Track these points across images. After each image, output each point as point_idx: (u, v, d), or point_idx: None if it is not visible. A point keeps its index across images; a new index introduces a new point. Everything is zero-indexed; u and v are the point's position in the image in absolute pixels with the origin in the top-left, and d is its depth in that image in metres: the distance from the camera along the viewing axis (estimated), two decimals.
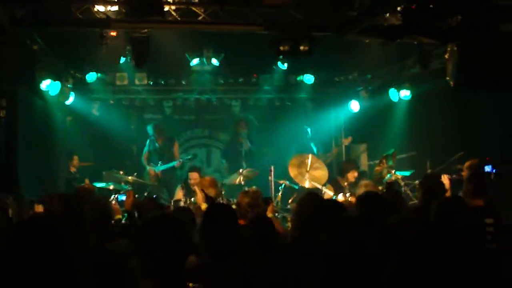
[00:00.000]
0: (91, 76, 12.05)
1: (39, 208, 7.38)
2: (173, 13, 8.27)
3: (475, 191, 6.10)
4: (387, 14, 8.13)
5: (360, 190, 8.35)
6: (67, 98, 11.74)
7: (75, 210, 4.01)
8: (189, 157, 12.54)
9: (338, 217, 4.05)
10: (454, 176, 7.96)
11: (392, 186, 9.21)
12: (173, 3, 8.12)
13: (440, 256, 4.06)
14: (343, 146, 14.12)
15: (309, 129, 13.18)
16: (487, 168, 8.02)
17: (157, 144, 12.87)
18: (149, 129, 13.00)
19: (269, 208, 6.96)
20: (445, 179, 7.74)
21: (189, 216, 5.91)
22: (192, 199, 9.14)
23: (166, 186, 12.48)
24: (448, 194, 7.66)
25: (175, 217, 3.95)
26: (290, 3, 8.03)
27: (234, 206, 7.02)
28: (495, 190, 7.47)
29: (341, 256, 3.12)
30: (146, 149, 12.90)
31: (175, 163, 12.35)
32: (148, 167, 12.66)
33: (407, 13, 7.83)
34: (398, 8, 7.95)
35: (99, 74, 12.13)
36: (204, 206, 8.37)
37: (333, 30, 8.58)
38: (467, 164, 8.05)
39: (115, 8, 8.14)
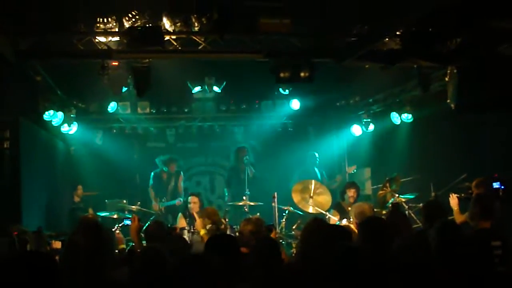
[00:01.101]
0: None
1: (57, 245, 7.41)
2: (173, 42, 8.33)
3: (482, 213, 6.08)
4: (386, 39, 8.19)
5: (352, 211, 8.33)
6: (70, 128, 11.80)
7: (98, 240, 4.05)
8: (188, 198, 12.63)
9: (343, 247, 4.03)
10: (462, 195, 7.96)
11: (398, 207, 9.21)
12: (174, 33, 8.17)
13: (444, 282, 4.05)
14: (347, 174, 14.13)
15: (317, 155, 13.22)
16: (496, 185, 8.03)
17: (163, 179, 12.92)
18: (158, 162, 13.05)
19: (272, 235, 6.95)
20: (453, 198, 7.77)
21: (181, 245, 5.93)
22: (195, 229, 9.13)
23: (171, 213, 12.47)
24: (456, 212, 7.70)
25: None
26: (288, 31, 8.09)
27: (237, 234, 7.03)
28: (504, 206, 7.50)
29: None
30: (151, 182, 12.91)
31: (175, 202, 12.41)
32: (153, 202, 12.69)
33: (406, 37, 7.89)
34: (397, 33, 8.04)
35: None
36: (203, 232, 8.38)
37: (332, 57, 8.63)
38: (475, 182, 8.07)
39: (116, 38, 8.21)
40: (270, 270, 4.56)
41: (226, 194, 13.10)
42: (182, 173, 13.29)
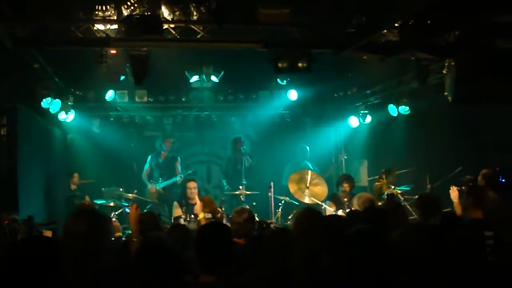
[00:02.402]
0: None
1: (48, 233, 7.42)
2: (172, 31, 8.33)
3: (475, 203, 6.20)
4: (384, 31, 8.20)
5: (354, 202, 8.40)
6: (68, 115, 11.79)
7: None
8: (190, 172, 12.59)
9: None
10: (463, 187, 8.02)
11: (393, 198, 9.27)
12: (172, 22, 8.17)
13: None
14: (343, 161, 14.19)
15: (307, 148, 13.26)
16: None
17: (160, 160, 12.95)
18: (158, 142, 13.10)
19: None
20: (454, 191, 7.83)
21: (184, 234, 5.94)
22: (192, 215, 9.16)
23: (167, 203, 12.51)
24: (456, 205, 7.78)
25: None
26: (287, 21, 8.08)
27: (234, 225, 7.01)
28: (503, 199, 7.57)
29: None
30: (147, 165, 12.98)
31: (177, 179, 12.41)
32: (149, 184, 12.71)
33: (404, 29, 7.90)
34: (396, 24, 8.05)
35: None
36: (202, 215, 8.41)
37: (330, 47, 8.64)
38: (482, 172, 8.16)
39: (114, 26, 8.20)
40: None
41: (225, 183, 13.12)
42: (179, 158, 13.32)
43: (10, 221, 7.09)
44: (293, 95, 12.77)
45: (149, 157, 13.03)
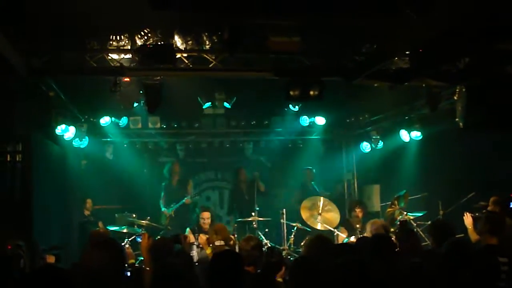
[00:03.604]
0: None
1: (51, 259, 7.44)
2: (185, 60, 8.44)
3: (492, 230, 6.23)
4: (395, 58, 8.26)
5: (368, 228, 8.41)
6: (82, 142, 11.89)
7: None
8: (197, 192, 12.61)
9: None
10: (477, 214, 8.03)
11: (405, 225, 9.25)
12: (185, 51, 8.29)
13: None
14: (354, 184, 14.22)
15: (313, 170, 13.29)
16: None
17: (172, 186, 13.02)
18: (165, 170, 13.17)
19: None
20: (467, 217, 7.84)
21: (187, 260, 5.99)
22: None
23: (180, 228, 12.51)
24: (470, 231, 7.79)
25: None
26: (297, 49, 8.15)
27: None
28: None
29: None
30: (162, 193, 13.05)
31: (184, 200, 12.42)
32: (163, 209, 12.78)
33: (414, 56, 7.95)
34: (406, 52, 8.10)
35: (113, 119, 12.30)
36: (209, 250, 8.42)
37: (341, 76, 8.71)
38: (492, 199, 8.20)
39: (128, 56, 8.33)
40: None
41: (235, 209, 13.12)
42: (191, 180, 13.38)
43: (13, 246, 7.09)
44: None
45: (163, 184, 13.11)
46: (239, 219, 12.01)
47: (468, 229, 7.97)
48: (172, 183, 13.06)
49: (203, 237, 8.66)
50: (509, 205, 8.36)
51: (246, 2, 6.46)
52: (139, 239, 9.66)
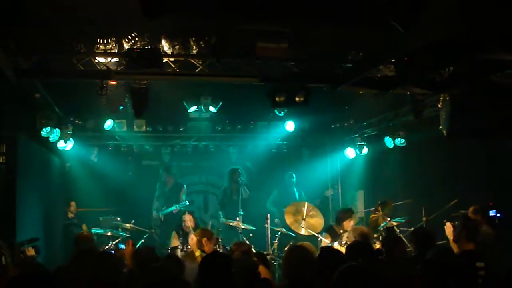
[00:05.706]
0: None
1: (31, 252, 7.43)
2: (171, 64, 8.46)
3: (468, 236, 6.49)
4: (380, 66, 8.33)
5: (350, 235, 8.46)
6: (67, 144, 11.85)
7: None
8: (186, 204, 12.60)
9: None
10: (456, 223, 8.10)
11: (391, 231, 9.32)
12: (172, 55, 8.31)
13: None
14: (338, 190, 14.31)
15: (294, 175, 13.35)
16: (492, 213, 8.30)
17: (166, 188, 13.04)
18: (161, 172, 13.18)
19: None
20: (448, 227, 7.90)
21: (177, 266, 6.00)
22: (189, 246, 9.16)
23: (167, 232, 12.49)
24: (451, 241, 7.88)
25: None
26: (285, 55, 8.18)
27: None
28: (498, 233, 7.76)
29: None
30: (156, 193, 13.05)
31: (173, 209, 12.42)
32: (154, 212, 12.77)
33: (400, 65, 8.02)
34: (392, 60, 8.17)
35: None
36: (198, 253, 8.42)
37: (327, 82, 8.77)
38: (472, 208, 8.33)
39: (115, 59, 8.33)
40: None
41: (221, 215, 13.09)
42: (185, 186, 13.39)
43: None
44: (290, 126, 12.83)
45: (158, 184, 13.14)
46: (224, 219, 11.97)
47: (449, 239, 8.05)
48: (167, 185, 13.13)
49: (194, 238, 8.64)
50: (489, 213, 8.48)
51: (233, 8, 6.48)
52: (122, 246, 9.64)
